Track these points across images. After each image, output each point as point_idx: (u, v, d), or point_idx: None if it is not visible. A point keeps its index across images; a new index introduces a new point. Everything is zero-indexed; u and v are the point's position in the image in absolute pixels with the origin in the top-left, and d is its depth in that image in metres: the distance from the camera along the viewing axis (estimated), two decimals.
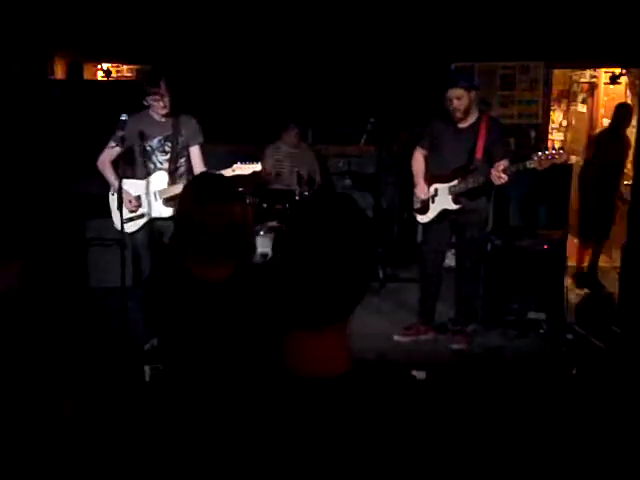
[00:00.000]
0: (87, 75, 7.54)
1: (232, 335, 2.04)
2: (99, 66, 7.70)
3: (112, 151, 4.42)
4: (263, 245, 5.69)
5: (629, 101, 7.07)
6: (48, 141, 6.20)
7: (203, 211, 2.06)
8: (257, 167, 4.53)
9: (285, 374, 1.16)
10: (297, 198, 5.93)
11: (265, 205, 6.14)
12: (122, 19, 6.68)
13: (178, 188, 4.33)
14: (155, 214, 4.42)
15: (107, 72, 7.68)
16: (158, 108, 4.34)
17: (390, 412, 1.16)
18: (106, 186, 4.55)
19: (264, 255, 5.66)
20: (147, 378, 3.81)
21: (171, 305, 2.11)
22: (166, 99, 4.33)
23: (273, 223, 5.91)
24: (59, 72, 7.25)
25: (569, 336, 4.65)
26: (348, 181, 6.20)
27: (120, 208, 4.20)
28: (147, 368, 3.80)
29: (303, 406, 1.12)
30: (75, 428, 3.30)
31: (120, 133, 4.12)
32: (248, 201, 5.94)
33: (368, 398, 1.16)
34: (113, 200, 4.46)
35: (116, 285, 4.55)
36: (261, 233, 5.72)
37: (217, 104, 7.03)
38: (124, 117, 4.15)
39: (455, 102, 4.32)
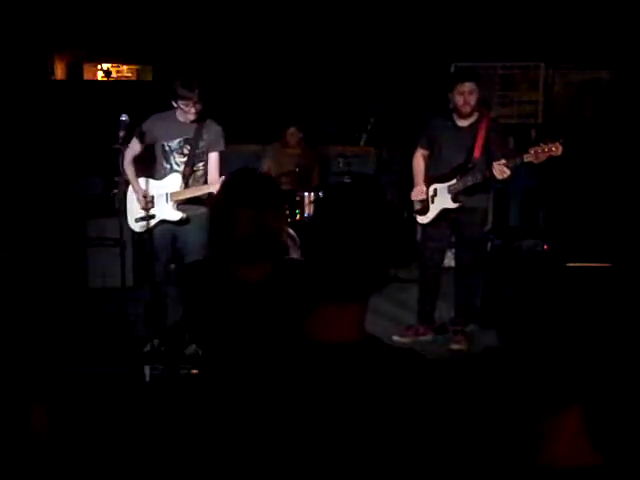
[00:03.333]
0: (87, 75, 7.55)
1: (269, 332, 2.04)
2: (99, 66, 7.69)
3: (135, 148, 4.38)
4: None
5: None
6: (48, 141, 6.21)
7: (233, 215, 2.02)
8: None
9: (306, 339, 1.27)
10: (297, 199, 5.94)
11: None
12: (122, 19, 6.69)
13: (191, 192, 4.31)
14: (163, 216, 4.35)
15: (107, 72, 7.68)
16: (189, 114, 4.26)
17: (397, 374, 1.27)
18: (107, 186, 4.54)
19: None
20: (147, 379, 3.82)
21: (210, 304, 2.11)
22: (198, 106, 4.25)
23: None
24: (59, 72, 7.26)
25: None
26: (348, 181, 6.20)
27: (124, 207, 4.20)
28: (147, 369, 3.81)
29: (321, 366, 1.24)
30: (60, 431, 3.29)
31: (122, 133, 4.09)
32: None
33: (378, 361, 1.27)
34: (132, 198, 4.43)
35: (115, 285, 4.57)
36: None
37: (218, 104, 7.03)
38: (124, 117, 4.13)
39: (467, 96, 4.33)
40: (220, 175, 4.35)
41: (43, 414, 2.69)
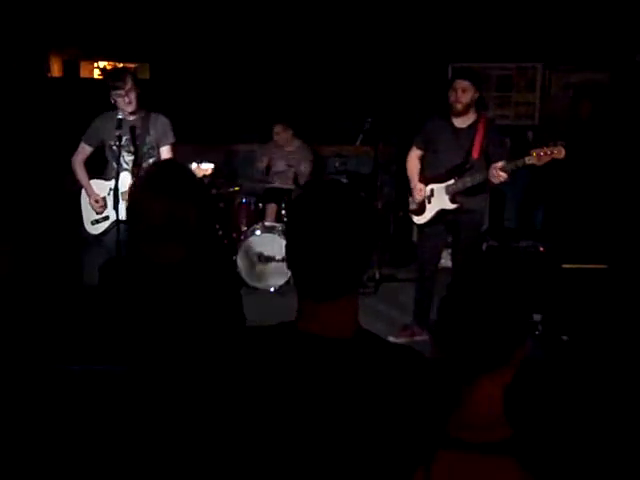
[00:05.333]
0: (84, 73, 7.53)
1: (185, 316, 2.10)
2: (96, 64, 7.68)
3: (84, 151, 4.43)
4: (261, 244, 5.68)
5: None
6: (44, 138, 6.19)
7: (145, 205, 2.11)
8: (209, 169, 4.33)
9: (298, 333, 1.27)
10: (293, 197, 5.93)
11: (261, 205, 6.14)
12: (119, 18, 6.68)
13: None
14: (120, 216, 4.18)
15: (104, 70, 7.66)
16: (123, 104, 4.20)
17: (392, 371, 1.27)
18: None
19: (260, 254, 5.65)
20: None
21: (124, 286, 2.17)
22: (132, 95, 4.21)
23: (268, 222, 5.91)
24: (56, 70, 7.25)
25: (564, 337, 4.65)
26: (344, 181, 6.20)
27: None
28: None
29: (315, 360, 1.24)
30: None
31: (117, 132, 4.10)
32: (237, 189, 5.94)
33: (372, 357, 1.27)
34: (85, 201, 4.49)
35: None
36: (257, 233, 5.71)
37: (213, 103, 7.02)
38: (121, 116, 4.14)
39: (459, 93, 4.31)
40: None
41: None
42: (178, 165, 2.35)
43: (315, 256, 1.24)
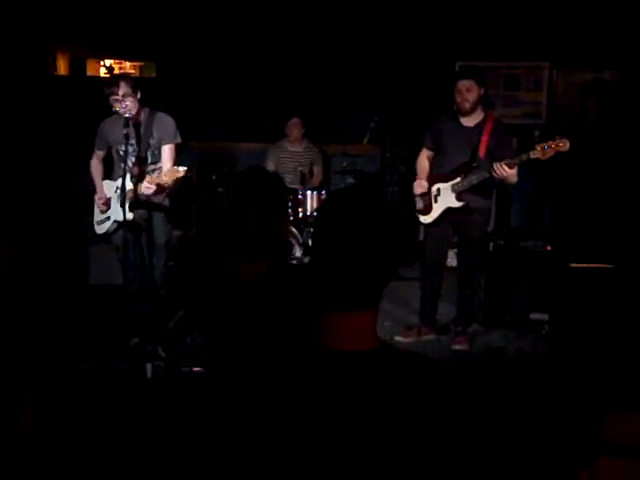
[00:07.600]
0: (90, 71, 7.54)
1: (265, 330, 2.08)
2: (102, 62, 7.69)
3: (97, 154, 4.50)
4: None
5: None
6: (50, 137, 6.20)
7: (243, 216, 2.08)
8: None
9: (318, 347, 1.25)
10: (300, 197, 5.92)
11: None
12: (125, 16, 6.68)
13: (138, 189, 4.18)
14: (119, 217, 4.14)
15: (109, 68, 7.67)
16: (121, 109, 4.12)
17: (414, 386, 1.23)
18: None
19: None
20: (148, 376, 3.82)
21: (207, 299, 2.16)
22: (128, 100, 4.13)
23: None
24: (62, 68, 7.26)
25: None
26: (351, 180, 6.19)
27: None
28: (149, 366, 3.80)
29: (335, 375, 1.21)
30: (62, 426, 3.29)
31: (125, 131, 4.07)
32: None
33: (394, 371, 1.24)
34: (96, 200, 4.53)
35: (117, 282, 4.58)
36: None
37: (220, 101, 7.02)
38: (128, 115, 4.12)
39: (465, 93, 4.31)
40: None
41: (32, 409, 2.68)
42: (269, 174, 2.30)
43: (342, 264, 1.22)
